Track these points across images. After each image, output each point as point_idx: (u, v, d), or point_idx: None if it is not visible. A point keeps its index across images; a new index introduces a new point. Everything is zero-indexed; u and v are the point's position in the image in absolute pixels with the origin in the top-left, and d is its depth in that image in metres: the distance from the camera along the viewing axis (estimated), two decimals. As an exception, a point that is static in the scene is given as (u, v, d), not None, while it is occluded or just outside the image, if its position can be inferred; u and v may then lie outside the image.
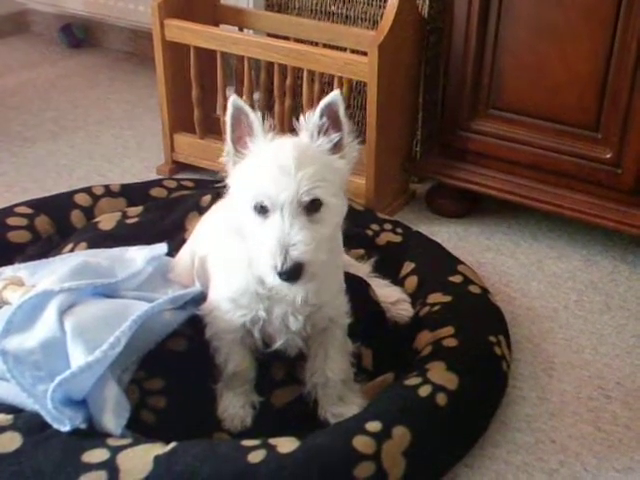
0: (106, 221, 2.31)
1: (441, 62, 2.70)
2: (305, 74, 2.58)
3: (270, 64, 2.78)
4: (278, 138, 1.54)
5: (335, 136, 1.54)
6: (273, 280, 1.48)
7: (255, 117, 1.54)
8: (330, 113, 1.53)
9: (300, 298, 1.62)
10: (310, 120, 1.53)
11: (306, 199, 1.46)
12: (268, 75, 2.90)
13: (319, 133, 1.53)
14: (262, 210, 1.49)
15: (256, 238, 1.50)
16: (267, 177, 1.47)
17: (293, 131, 2.82)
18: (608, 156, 2.39)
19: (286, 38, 2.82)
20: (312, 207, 1.48)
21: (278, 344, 1.71)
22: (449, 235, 2.63)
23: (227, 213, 1.64)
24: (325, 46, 2.75)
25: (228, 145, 1.57)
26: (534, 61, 2.40)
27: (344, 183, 1.57)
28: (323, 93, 2.84)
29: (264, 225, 1.48)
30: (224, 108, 2.74)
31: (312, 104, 2.64)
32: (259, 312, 1.66)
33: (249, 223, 1.51)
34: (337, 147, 1.55)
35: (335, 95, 1.51)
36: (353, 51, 2.69)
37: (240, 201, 1.53)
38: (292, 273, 1.45)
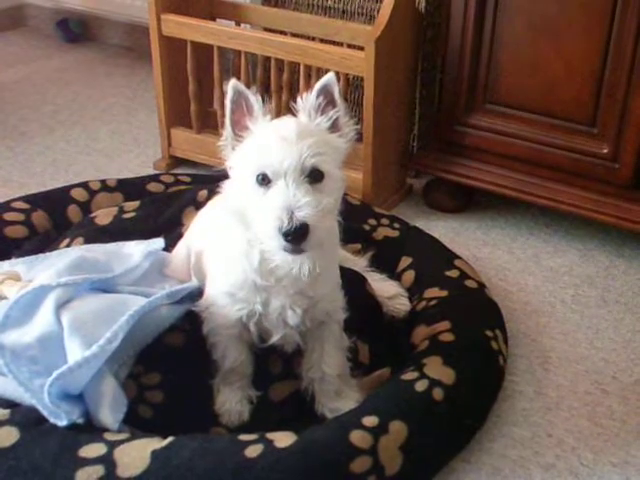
0: (103, 216, 2.31)
1: (438, 57, 2.69)
2: (302, 69, 2.58)
3: (267, 59, 2.78)
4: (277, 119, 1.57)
5: (332, 113, 1.56)
6: (278, 244, 1.47)
7: (255, 99, 1.56)
8: (326, 94, 1.55)
9: (306, 270, 1.58)
10: (307, 100, 1.56)
11: (308, 166, 1.48)
12: (265, 70, 2.91)
13: (317, 112, 1.56)
14: (265, 181, 1.49)
15: (260, 209, 1.50)
16: (270, 147, 1.49)
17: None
18: (605, 151, 2.39)
19: (283, 33, 2.81)
20: (314, 176, 1.49)
21: (275, 339, 1.71)
22: (446, 230, 2.63)
23: (225, 202, 1.64)
24: (322, 41, 2.75)
25: (227, 129, 1.59)
26: (531, 56, 2.40)
27: (342, 162, 1.59)
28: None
29: (268, 195, 1.49)
30: (221, 103, 2.77)
31: (309, 99, 2.64)
32: (256, 306, 1.66)
33: (252, 197, 1.51)
34: (335, 126, 1.57)
35: (330, 76, 1.55)
36: (350, 46, 2.69)
37: (242, 178, 1.54)
38: (298, 232, 1.44)
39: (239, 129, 1.58)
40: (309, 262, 1.57)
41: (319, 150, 1.49)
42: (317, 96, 1.55)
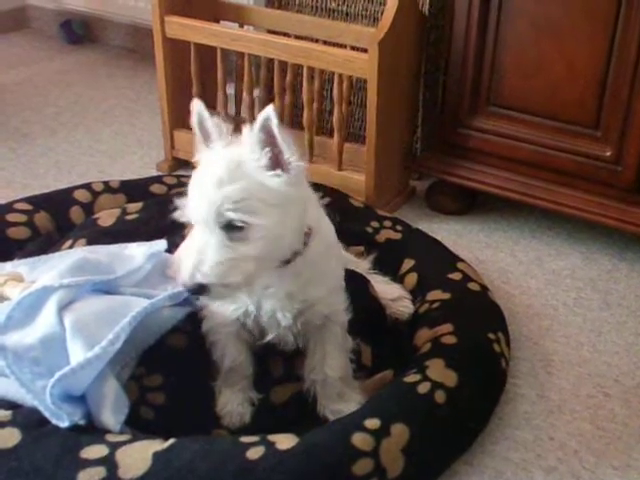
0: (105, 217, 2.31)
1: (441, 59, 2.69)
2: (305, 71, 2.58)
3: (270, 61, 2.78)
4: (230, 147, 1.52)
5: (266, 151, 1.48)
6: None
7: (213, 124, 1.54)
8: (266, 130, 1.47)
9: (283, 294, 1.63)
10: (251, 134, 1.48)
11: (224, 218, 1.45)
12: (268, 72, 2.91)
13: (259, 147, 1.48)
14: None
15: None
16: (190, 194, 1.49)
17: (292, 126, 2.83)
18: (608, 154, 2.39)
19: (286, 35, 2.81)
20: (232, 227, 1.46)
21: (270, 337, 1.71)
22: (449, 232, 2.63)
23: None
24: (325, 43, 2.75)
25: (198, 145, 1.58)
26: (534, 58, 2.40)
27: (289, 203, 1.51)
28: (323, 90, 2.86)
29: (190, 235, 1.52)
30: (224, 105, 2.77)
31: (312, 101, 2.64)
32: (249, 307, 1.67)
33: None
34: (276, 163, 1.49)
35: (268, 111, 1.45)
36: (353, 48, 2.69)
37: None
38: (193, 291, 1.47)
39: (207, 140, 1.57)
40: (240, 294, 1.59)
41: (240, 200, 1.44)
42: (259, 131, 1.46)
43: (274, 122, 1.45)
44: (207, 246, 1.45)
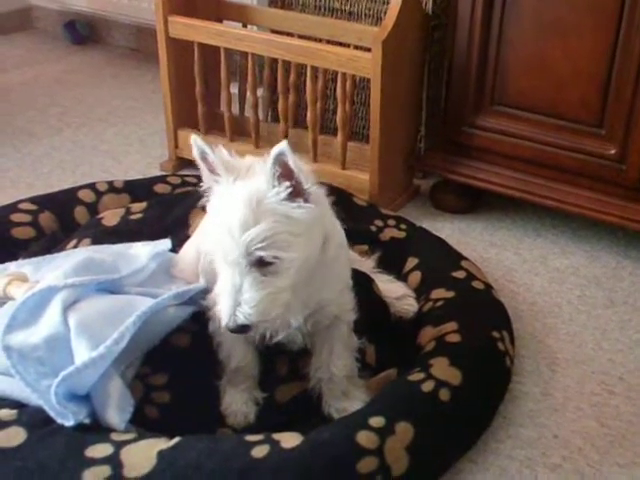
0: (110, 217, 2.31)
1: (445, 58, 2.70)
2: (309, 70, 2.58)
3: (274, 60, 2.78)
4: (239, 181, 1.50)
5: (287, 185, 1.48)
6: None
7: (216, 158, 1.51)
8: (280, 163, 1.47)
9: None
10: (265, 167, 1.48)
11: (254, 257, 1.46)
12: (272, 71, 2.91)
13: (274, 180, 1.48)
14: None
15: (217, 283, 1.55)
16: (215, 238, 1.49)
17: (296, 125, 2.84)
18: (612, 152, 2.39)
19: (290, 34, 2.82)
20: (263, 263, 1.48)
21: (279, 337, 1.70)
22: (452, 231, 2.63)
23: None
24: (329, 42, 2.76)
25: (204, 177, 1.56)
26: (538, 57, 2.40)
27: (313, 227, 1.54)
28: (327, 89, 2.86)
29: (220, 275, 1.52)
30: (228, 104, 2.77)
31: (316, 100, 2.64)
32: None
33: (214, 261, 1.55)
34: (297, 194, 1.49)
35: (282, 146, 1.45)
36: (357, 47, 2.69)
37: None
38: (238, 331, 1.51)
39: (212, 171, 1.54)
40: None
41: (266, 239, 1.45)
42: (272, 165, 1.46)
43: (289, 157, 1.45)
44: (243, 286, 1.47)
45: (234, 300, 1.47)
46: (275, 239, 1.46)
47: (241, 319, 1.47)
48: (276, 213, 1.47)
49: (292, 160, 1.46)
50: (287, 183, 1.48)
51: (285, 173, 1.47)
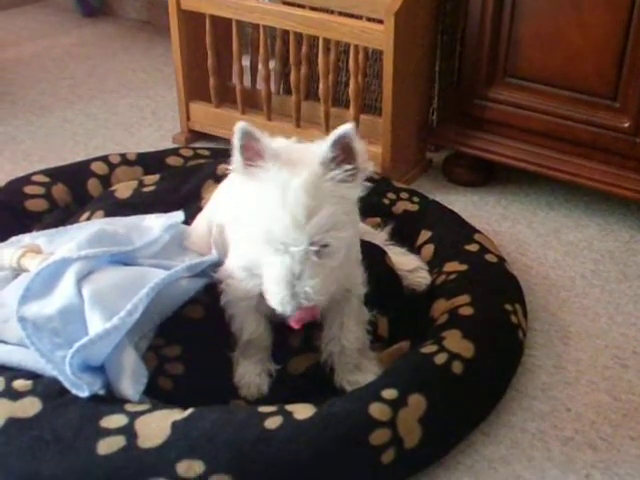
0: (122, 189, 2.31)
1: (458, 30, 2.68)
2: (321, 42, 2.57)
3: (285, 32, 2.77)
4: (287, 166, 1.47)
5: (349, 168, 1.48)
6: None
7: (266, 143, 1.48)
8: (342, 145, 1.47)
9: None
10: (322, 151, 1.47)
11: (316, 244, 1.47)
12: (284, 43, 2.90)
13: (332, 164, 1.48)
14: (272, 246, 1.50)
15: (266, 269, 1.53)
16: (277, 225, 1.46)
17: (308, 98, 2.82)
18: (626, 125, 2.37)
19: (301, 6, 2.80)
20: (323, 245, 1.49)
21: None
22: (465, 204, 2.62)
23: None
24: (341, 14, 2.74)
25: (237, 163, 1.52)
26: (552, 28, 2.38)
27: (355, 204, 1.57)
28: (339, 61, 2.85)
29: (274, 260, 1.50)
30: (240, 77, 2.76)
31: (328, 72, 2.63)
32: None
33: (259, 250, 1.53)
34: (350, 176, 1.50)
35: (347, 128, 1.45)
36: (369, 19, 2.67)
37: (249, 229, 1.54)
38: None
39: (250, 158, 1.50)
40: None
41: (330, 225, 1.46)
42: (332, 148, 1.46)
43: (354, 139, 1.46)
44: (303, 273, 1.48)
45: (293, 287, 1.48)
46: (335, 222, 1.47)
47: (305, 304, 1.49)
48: (334, 196, 1.48)
49: (356, 142, 1.46)
50: (347, 166, 1.48)
51: (344, 154, 1.47)
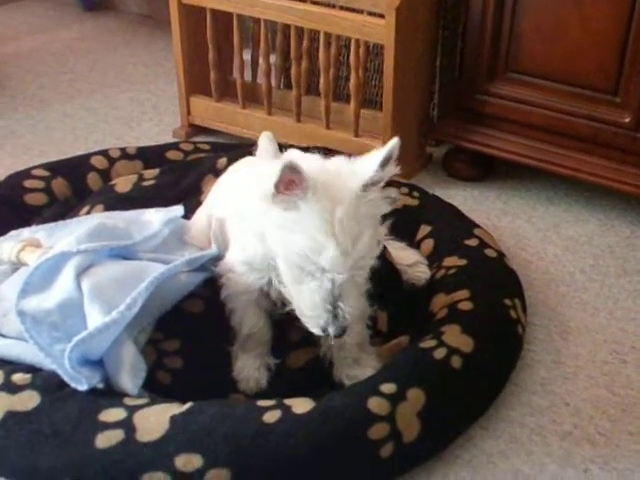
0: (122, 184, 2.31)
1: (459, 25, 2.67)
2: (322, 36, 2.56)
3: (286, 26, 2.76)
4: (325, 189, 1.44)
5: (383, 186, 1.50)
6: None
7: (306, 175, 1.42)
8: (387, 164, 1.47)
9: None
10: (367, 173, 1.46)
11: (362, 271, 1.51)
12: (284, 37, 2.89)
13: (374, 185, 1.48)
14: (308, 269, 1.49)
15: (299, 293, 1.53)
16: (324, 255, 1.44)
17: (309, 92, 2.81)
18: (627, 120, 2.37)
19: (303, 0, 2.79)
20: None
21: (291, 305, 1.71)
22: (465, 199, 2.62)
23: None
24: (342, 8, 2.72)
25: (274, 195, 1.46)
26: (553, 23, 2.38)
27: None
28: (340, 56, 2.84)
29: (312, 286, 1.50)
30: (240, 71, 2.76)
31: (329, 67, 2.63)
32: (272, 275, 1.66)
33: (289, 270, 1.52)
34: (382, 192, 1.52)
35: (394, 145, 1.46)
36: (370, 13, 2.66)
37: (282, 250, 1.51)
38: (339, 334, 1.52)
39: (287, 188, 1.45)
40: None
41: (370, 247, 1.47)
42: (379, 169, 1.45)
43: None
44: (343, 295, 1.49)
45: (335, 309, 1.49)
46: (373, 243, 1.49)
47: (346, 324, 1.50)
48: (371, 216, 1.50)
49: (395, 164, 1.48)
50: (381, 183, 1.49)
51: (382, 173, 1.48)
